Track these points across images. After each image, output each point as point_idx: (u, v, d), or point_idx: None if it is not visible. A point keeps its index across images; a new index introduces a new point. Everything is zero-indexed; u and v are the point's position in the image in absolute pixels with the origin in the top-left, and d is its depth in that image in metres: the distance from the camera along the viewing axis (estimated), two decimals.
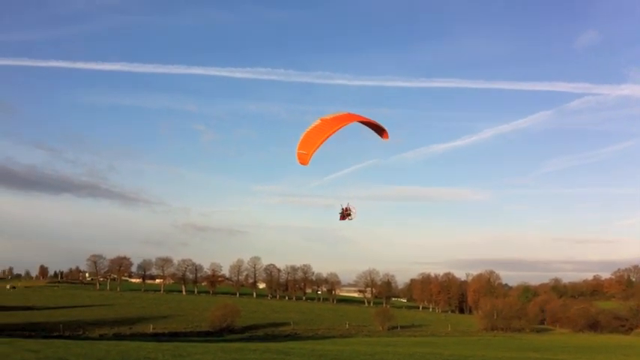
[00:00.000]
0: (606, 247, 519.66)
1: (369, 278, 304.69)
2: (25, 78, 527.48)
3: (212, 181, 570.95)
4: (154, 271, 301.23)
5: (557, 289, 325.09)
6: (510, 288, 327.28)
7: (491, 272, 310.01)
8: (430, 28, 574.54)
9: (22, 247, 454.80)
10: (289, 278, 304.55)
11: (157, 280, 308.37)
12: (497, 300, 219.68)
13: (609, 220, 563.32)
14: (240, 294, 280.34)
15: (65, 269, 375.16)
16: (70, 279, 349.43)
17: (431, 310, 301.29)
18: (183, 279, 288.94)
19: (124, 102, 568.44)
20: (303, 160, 38.48)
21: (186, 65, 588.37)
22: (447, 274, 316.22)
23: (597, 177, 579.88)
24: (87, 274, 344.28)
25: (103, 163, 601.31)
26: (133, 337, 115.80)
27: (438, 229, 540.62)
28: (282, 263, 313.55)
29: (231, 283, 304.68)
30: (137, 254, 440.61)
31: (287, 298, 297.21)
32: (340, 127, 38.29)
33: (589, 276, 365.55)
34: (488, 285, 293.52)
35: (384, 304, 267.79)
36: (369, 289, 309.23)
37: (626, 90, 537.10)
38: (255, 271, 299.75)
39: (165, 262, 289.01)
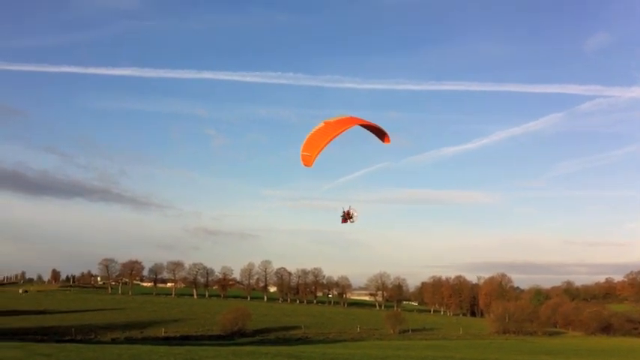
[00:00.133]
0: (618, 250, 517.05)
1: (380, 281, 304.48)
2: (37, 83, 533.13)
3: (223, 185, 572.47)
4: (165, 274, 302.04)
5: (570, 291, 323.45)
6: (522, 291, 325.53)
7: (503, 275, 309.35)
8: (440, 30, 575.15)
9: (35, 251, 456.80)
10: (300, 282, 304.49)
11: (169, 284, 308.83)
12: (509, 303, 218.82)
13: (621, 223, 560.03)
14: (251, 297, 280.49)
15: (77, 273, 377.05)
16: (82, 283, 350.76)
17: (442, 313, 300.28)
18: (194, 283, 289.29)
19: (135, 107, 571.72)
20: (307, 162, 38.75)
21: (196, 70, 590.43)
22: (459, 277, 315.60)
23: (609, 179, 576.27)
24: (99, 278, 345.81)
25: (115, 167, 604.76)
26: (145, 340, 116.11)
27: (449, 232, 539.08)
28: (293, 267, 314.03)
29: (242, 286, 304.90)
30: (148, 258, 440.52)
31: (298, 301, 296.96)
32: (344, 130, 38.67)
33: (601, 279, 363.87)
34: (499, 288, 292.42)
35: (395, 308, 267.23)
36: (380, 292, 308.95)
37: (638, 92, 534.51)
38: (266, 274, 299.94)
39: (177, 265, 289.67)
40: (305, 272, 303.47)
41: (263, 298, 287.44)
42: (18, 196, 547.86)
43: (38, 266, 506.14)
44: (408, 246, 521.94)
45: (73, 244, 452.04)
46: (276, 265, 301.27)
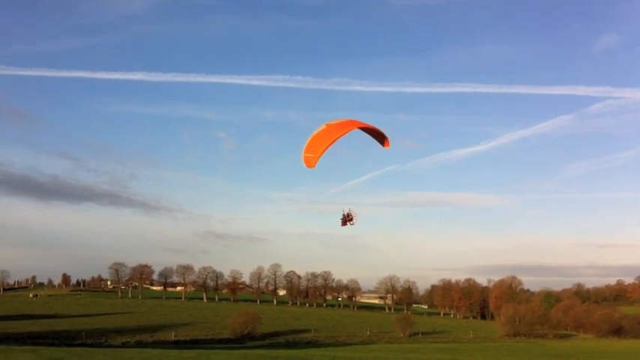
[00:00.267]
0: (629, 252, 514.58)
1: (389, 284, 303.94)
2: (48, 88, 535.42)
3: (232, 188, 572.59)
4: (175, 278, 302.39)
5: (580, 294, 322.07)
6: (532, 293, 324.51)
7: (513, 278, 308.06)
8: (448, 33, 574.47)
9: (45, 255, 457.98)
10: (309, 285, 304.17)
11: (178, 288, 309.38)
12: (520, 306, 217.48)
13: (632, 225, 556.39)
14: (260, 301, 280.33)
15: (87, 277, 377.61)
16: (92, 287, 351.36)
17: (452, 316, 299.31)
18: (204, 286, 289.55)
19: (145, 111, 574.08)
20: (310, 163, 39.25)
21: (205, 74, 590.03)
22: (469, 280, 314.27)
23: (619, 181, 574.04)
24: (109, 282, 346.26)
25: (125, 171, 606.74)
26: (155, 344, 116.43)
27: (459, 235, 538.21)
28: (302, 270, 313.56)
29: (251, 290, 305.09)
30: (158, 262, 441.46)
31: (307, 304, 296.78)
32: (345, 133, 39.27)
33: (612, 281, 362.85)
34: (510, 291, 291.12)
35: (405, 311, 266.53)
36: (389, 295, 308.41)
37: None
38: (275, 278, 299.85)
39: (186, 269, 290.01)
40: (314, 275, 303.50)
41: (272, 301, 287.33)
42: (29, 200, 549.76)
43: (49, 270, 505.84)
44: (417, 249, 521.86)
45: (83, 249, 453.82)
46: (285, 269, 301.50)
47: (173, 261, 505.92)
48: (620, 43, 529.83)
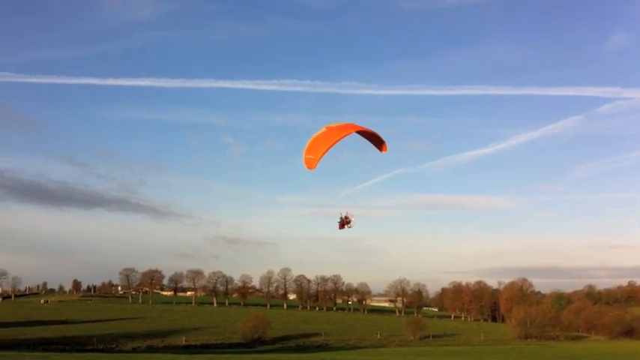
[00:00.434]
0: None
1: (399, 288, 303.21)
2: (57, 95, 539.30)
3: (241, 192, 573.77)
4: (185, 283, 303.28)
5: (592, 295, 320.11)
6: (543, 295, 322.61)
7: (524, 280, 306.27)
8: (457, 35, 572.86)
9: (55, 262, 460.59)
10: (319, 289, 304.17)
11: (189, 293, 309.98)
12: (531, 308, 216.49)
13: None
14: (270, 305, 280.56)
15: (98, 283, 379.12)
16: (103, 293, 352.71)
17: (463, 319, 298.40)
18: (214, 291, 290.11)
19: (154, 117, 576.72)
20: (311, 165, 39.77)
21: (213, 79, 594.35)
22: (479, 283, 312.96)
23: (629, 181, 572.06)
24: (119, 288, 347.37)
25: (134, 177, 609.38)
26: (166, 349, 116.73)
27: (469, 238, 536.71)
28: (312, 274, 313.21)
29: (261, 294, 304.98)
30: (168, 267, 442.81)
31: (317, 308, 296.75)
32: (345, 135, 39.90)
33: (623, 282, 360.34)
34: (520, 293, 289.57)
35: (416, 314, 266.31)
36: (399, 298, 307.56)
37: None
38: (285, 282, 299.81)
39: (196, 274, 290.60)
40: (324, 279, 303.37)
41: (283, 305, 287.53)
42: (39, 207, 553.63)
43: (59, 277, 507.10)
44: (427, 252, 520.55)
45: (93, 254, 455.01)
46: (295, 273, 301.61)
47: (183, 266, 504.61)
48: (630, 44, 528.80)
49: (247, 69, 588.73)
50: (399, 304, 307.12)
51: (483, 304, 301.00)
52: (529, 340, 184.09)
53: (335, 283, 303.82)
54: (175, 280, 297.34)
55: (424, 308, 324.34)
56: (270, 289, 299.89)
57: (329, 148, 39.32)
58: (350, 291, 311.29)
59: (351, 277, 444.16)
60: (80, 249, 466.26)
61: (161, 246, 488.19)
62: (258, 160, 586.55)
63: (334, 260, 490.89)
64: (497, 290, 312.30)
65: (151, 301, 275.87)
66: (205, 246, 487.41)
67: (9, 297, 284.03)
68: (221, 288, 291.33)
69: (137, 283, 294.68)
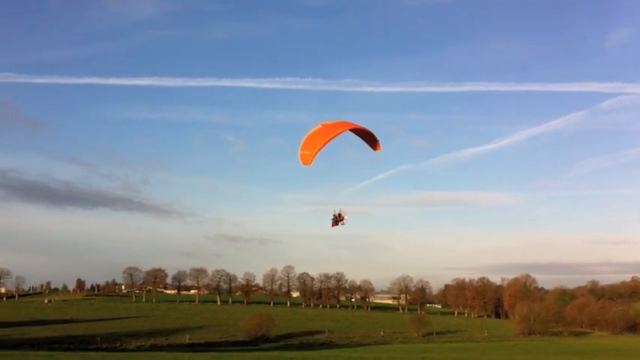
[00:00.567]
0: None
1: (402, 285, 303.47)
2: (60, 95, 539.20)
3: (243, 190, 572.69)
4: (188, 282, 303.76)
5: (595, 291, 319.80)
6: (547, 291, 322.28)
7: (527, 276, 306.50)
8: (459, 32, 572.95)
9: (59, 261, 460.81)
10: (323, 286, 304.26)
11: (192, 291, 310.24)
12: (534, 304, 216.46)
13: None
14: (274, 303, 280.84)
15: (101, 282, 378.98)
16: (107, 292, 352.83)
17: (466, 315, 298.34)
18: (217, 289, 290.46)
19: (156, 116, 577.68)
20: (306, 160, 40.54)
21: (215, 78, 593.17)
22: (482, 279, 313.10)
23: (632, 177, 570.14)
24: (123, 287, 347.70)
25: (137, 176, 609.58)
26: (170, 347, 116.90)
27: (471, 234, 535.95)
28: (315, 271, 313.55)
29: (265, 292, 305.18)
30: (172, 266, 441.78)
31: (321, 306, 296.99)
32: (340, 132, 40.59)
33: (627, 277, 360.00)
34: (524, 289, 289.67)
35: (419, 311, 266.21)
36: (403, 295, 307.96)
37: None
38: (288, 279, 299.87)
39: (200, 272, 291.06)
40: (327, 277, 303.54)
41: (286, 303, 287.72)
42: (42, 206, 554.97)
43: (63, 276, 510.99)
44: (430, 249, 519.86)
45: (97, 254, 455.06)
46: (298, 270, 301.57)
47: (186, 264, 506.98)
48: (632, 39, 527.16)
49: (249, 67, 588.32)
50: (403, 301, 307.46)
51: (487, 301, 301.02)
52: (533, 336, 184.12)
53: (338, 281, 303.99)
54: (179, 278, 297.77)
55: (427, 305, 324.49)
56: (274, 287, 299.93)
57: (324, 144, 39.94)
58: (353, 288, 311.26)
59: (355, 275, 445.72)
60: (84, 248, 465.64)
61: (164, 245, 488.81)
62: (260, 158, 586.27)
63: (337, 258, 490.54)
64: (500, 286, 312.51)
65: (154, 300, 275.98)
66: (208, 244, 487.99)
67: (13, 296, 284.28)
68: (224, 286, 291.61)
69: (141, 281, 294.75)
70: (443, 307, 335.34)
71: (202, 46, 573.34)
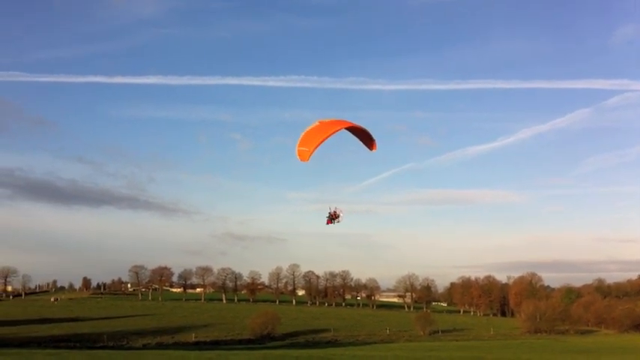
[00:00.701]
0: None
1: (408, 283, 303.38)
2: (65, 94, 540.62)
3: (249, 189, 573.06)
4: (194, 280, 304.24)
5: (602, 289, 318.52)
6: (553, 290, 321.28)
7: (533, 274, 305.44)
8: (463, 29, 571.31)
9: (65, 260, 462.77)
10: (328, 285, 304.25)
11: (198, 289, 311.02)
12: (540, 302, 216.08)
13: None
14: (279, 301, 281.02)
15: (108, 280, 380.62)
16: (113, 290, 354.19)
17: (472, 313, 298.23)
18: (223, 287, 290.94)
19: (161, 114, 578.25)
20: (304, 157, 40.73)
21: (220, 76, 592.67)
22: (488, 277, 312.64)
23: (638, 174, 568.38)
24: (129, 285, 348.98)
25: (143, 175, 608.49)
26: (176, 346, 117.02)
27: (477, 232, 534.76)
28: (320, 270, 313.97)
29: (270, 290, 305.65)
30: (178, 264, 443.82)
31: (326, 304, 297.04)
32: (338, 130, 40.87)
33: (634, 275, 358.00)
34: (530, 287, 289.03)
35: (425, 309, 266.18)
36: (408, 294, 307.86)
37: None
38: (294, 278, 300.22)
39: (206, 271, 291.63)
40: (333, 275, 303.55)
41: (292, 301, 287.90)
42: (49, 205, 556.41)
43: (69, 274, 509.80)
44: (435, 247, 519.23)
45: (103, 252, 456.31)
46: (304, 269, 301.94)
47: (192, 263, 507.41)
48: (637, 35, 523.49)
49: (254, 65, 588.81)
50: (408, 300, 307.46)
51: (492, 299, 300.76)
52: (539, 334, 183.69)
53: (344, 279, 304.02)
54: (184, 276, 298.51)
55: (433, 303, 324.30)
56: (279, 285, 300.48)
57: (321, 142, 40.17)
58: (359, 287, 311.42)
59: (360, 273, 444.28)
60: (90, 247, 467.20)
61: (170, 243, 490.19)
62: (265, 156, 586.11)
63: (343, 256, 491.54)
64: (506, 285, 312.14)
65: (160, 298, 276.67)
66: (214, 242, 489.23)
67: (19, 295, 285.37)
68: (230, 284, 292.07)
69: (147, 280, 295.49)
70: (448, 305, 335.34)
71: (207, 44, 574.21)
